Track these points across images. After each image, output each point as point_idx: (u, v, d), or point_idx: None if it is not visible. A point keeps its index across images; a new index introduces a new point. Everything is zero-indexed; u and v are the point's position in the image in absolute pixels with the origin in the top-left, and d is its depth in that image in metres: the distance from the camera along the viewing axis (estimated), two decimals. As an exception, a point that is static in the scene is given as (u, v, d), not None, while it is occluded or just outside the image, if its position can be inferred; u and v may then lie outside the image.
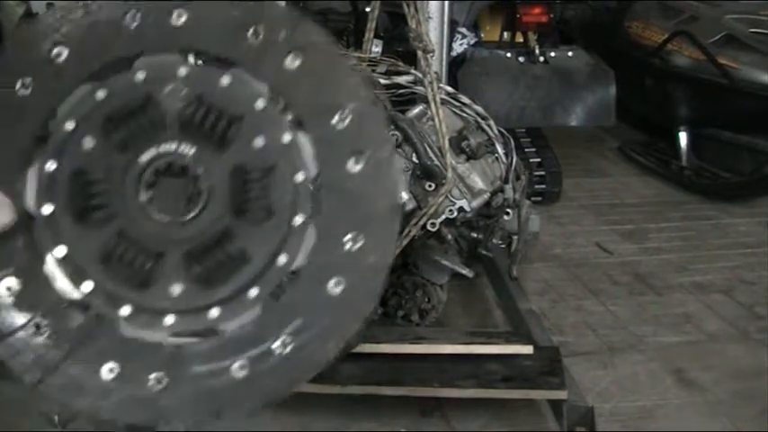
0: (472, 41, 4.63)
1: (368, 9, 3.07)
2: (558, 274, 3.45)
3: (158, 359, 0.98)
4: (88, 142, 0.99)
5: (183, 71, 1.01)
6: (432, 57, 2.61)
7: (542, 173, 4.27)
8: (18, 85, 0.98)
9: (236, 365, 0.97)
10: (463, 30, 4.59)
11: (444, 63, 3.46)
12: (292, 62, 0.99)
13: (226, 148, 1.00)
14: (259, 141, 0.99)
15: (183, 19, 0.99)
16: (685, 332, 2.98)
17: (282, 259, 0.99)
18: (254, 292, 0.99)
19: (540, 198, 4.21)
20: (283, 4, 1.03)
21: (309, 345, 0.97)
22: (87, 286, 1.00)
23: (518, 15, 4.42)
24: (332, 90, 0.99)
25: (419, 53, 2.60)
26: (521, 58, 4.45)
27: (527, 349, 2.19)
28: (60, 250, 0.99)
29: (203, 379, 0.98)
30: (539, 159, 4.30)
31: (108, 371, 0.99)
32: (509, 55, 4.48)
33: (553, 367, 2.18)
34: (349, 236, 0.98)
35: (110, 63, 1.00)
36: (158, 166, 1.00)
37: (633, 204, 4.41)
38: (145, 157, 1.01)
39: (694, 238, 3.91)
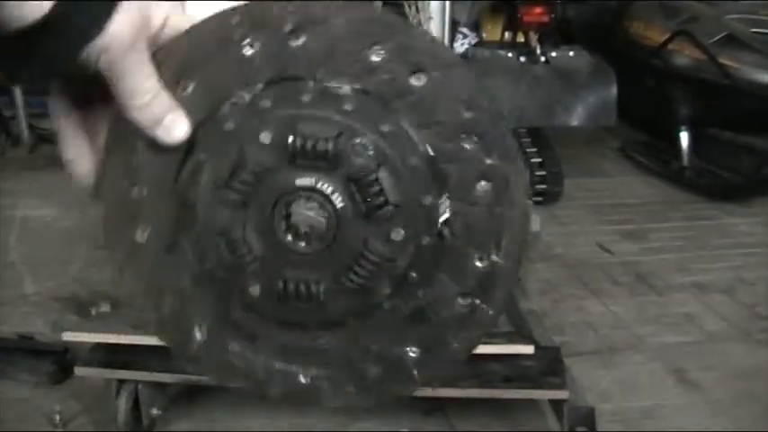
0: (473, 41, 4.64)
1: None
2: (559, 273, 3.45)
3: None
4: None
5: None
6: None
7: (543, 173, 4.26)
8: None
9: None
10: (465, 30, 4.60)
11: (446, 63, 3.46)
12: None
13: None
14: None
15: None
16: (686, 332, 2.98)
17: None
18: None
19: (541, 198, 4.21)
20: None
21: None
22: None
23: (519, 15, 4.41)
24: None
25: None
26: (522, 58, 4.45)
27: (528, 349, 2.19)
28: None
29: None
30: (540, 159, 4.30)
31: None
32: (510, 55, 4.48)
33: (554, 367, 2.18)
34: None
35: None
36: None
37: (634, 204, 4.41)
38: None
39: (695, 238, 3.91)
